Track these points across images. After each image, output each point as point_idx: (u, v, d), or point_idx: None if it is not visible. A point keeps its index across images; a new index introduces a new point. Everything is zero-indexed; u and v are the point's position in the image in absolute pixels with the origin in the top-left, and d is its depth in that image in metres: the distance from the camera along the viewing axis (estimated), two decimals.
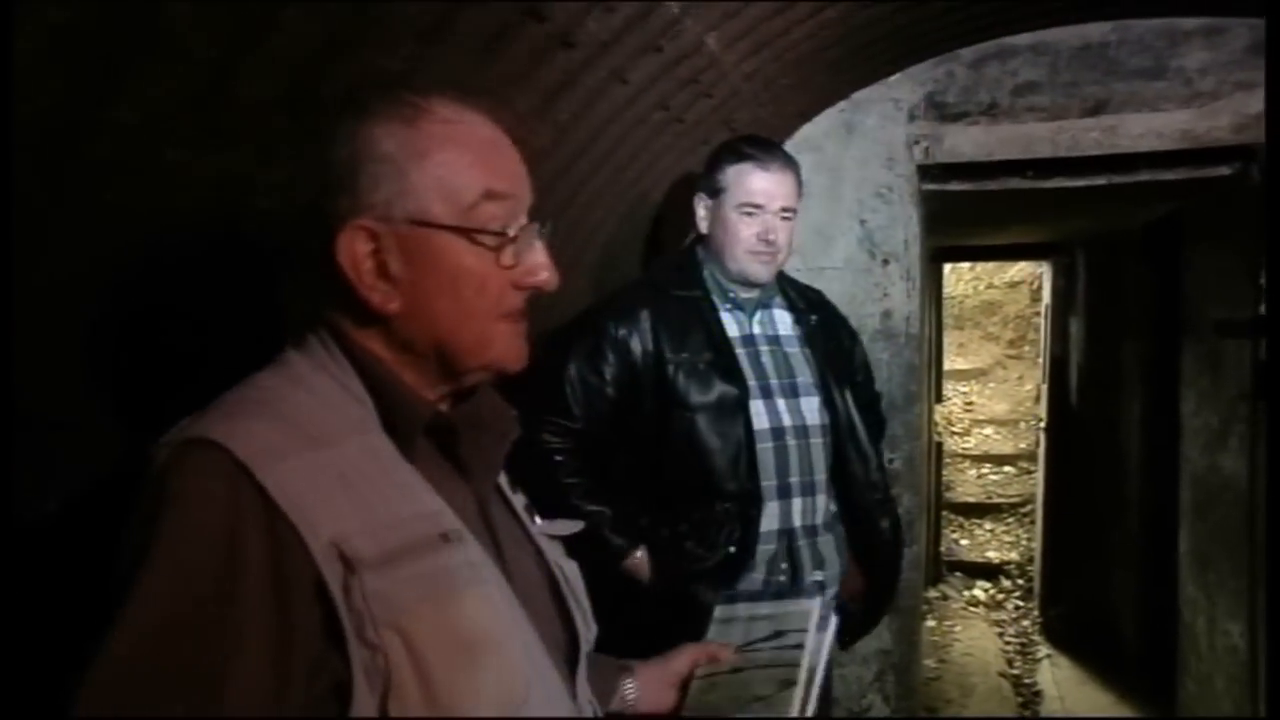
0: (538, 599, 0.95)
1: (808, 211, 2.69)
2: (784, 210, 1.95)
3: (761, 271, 1.96)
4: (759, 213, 1.93)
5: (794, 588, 1.93)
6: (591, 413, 1.88)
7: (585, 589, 1.05)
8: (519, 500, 1.05)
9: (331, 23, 1.13)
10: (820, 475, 1.98)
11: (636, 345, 1.88)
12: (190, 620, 0.71)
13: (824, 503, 2.00)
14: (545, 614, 0.95)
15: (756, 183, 1.93)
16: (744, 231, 1.93)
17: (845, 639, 2.11)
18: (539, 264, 0.91)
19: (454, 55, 1.35)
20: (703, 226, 2.02)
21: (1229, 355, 3.16)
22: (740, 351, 1.94)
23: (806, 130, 2.99)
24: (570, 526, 1.09)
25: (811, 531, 1.97)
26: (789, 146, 2.93)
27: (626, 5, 1.57)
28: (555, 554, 1.03)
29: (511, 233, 0.88)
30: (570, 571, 1.04)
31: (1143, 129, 2.76)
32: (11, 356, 1.00)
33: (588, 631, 1.02)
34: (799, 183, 2.00)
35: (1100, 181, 2.97)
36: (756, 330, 1.99)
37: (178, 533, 0.73)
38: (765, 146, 2.00)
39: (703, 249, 2.04)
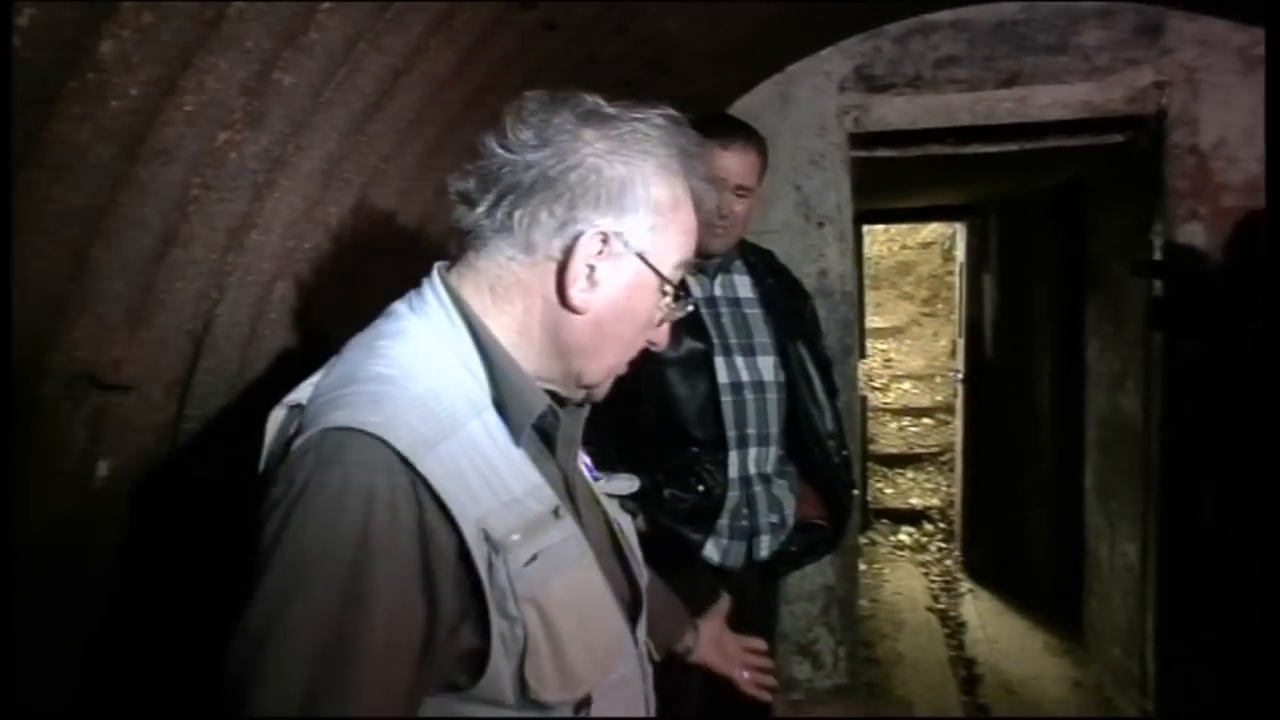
0: (605, 555, 1.05)
1: None
2: (739, 188, 2.06)
3: (715, 244, 2.09)
4: (718, 188, 2.01)
5: (752, 529, 2.13)
6: None
7: (638, 542, 1.16)
8: (583, 459, 1.14)
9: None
10: (774, 428, 2.17)
11: None
12: (356, 603, 0.78)
13: (775, 452, 2.19)
14: (610, 568, 1.05)
15: (719, 159, 2.02)
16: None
17: (821, 551, 2.33)
18: (666, 330, 1.04)
19: (453, 43, 1.48)
20: None
21: (1127, 305, 3.47)
22: (704, 312, 2.09)
23: (745, 101, 3.17)
24: (629, 485, 1.20)
25: (765, 479, 2.17)
26: None
27: None
28: (613, 510, 1.15)
29: (677, 291, 1.02)
30: (626, 526, 1.15)
31: (1050, 99, 3.03)
32: (10, 356, 1.11)
33: (643, 582, 1.12)
34: (761, 162, 2.11)
35: (1013, 147, 3.24)
36: (718, 292, 2.15)
37: (342, 527, 0.79)
38: (728, 125, 2.10)
39: None
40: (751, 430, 2.13)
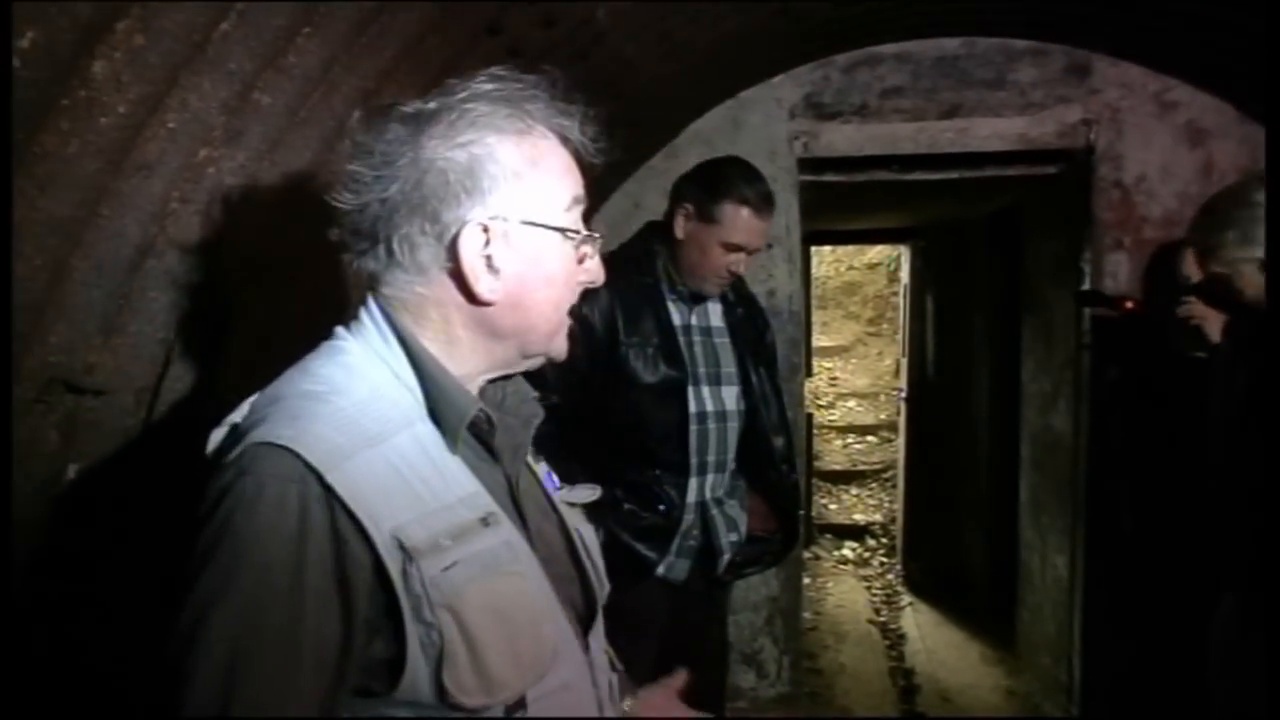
0: (559, 562, 1.05)
1: None
2: (758, 249, 2.16)
3: (715, 291, 2.18)
4: (739, 251, 2.11)
5: (710, 548, 2.22)
6: (566, 385, 1.98)
7: (599, 551, 1.15)
8: (541, 468, 1.16)
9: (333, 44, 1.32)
10: (731, 454, 2.25)
11: (597, 323, 2.06)
12: (270, 606, 0.81)
13: (729, 476, 2.28)
14: (565, 575, 1.05)
15: (751, 227, 2.08)
16: (719, 261, 2.10)
17: (766, 563, 2.43)
18: (597, 263, 1.04)
19: (423, 67, 1.55)
20: (679, 234, 2.13)
21: (1060, 327, 3.64)
22: (680, 340, 2.15)
23: (698, 125, 3.28)
24: (590, 494, 1.19)
25: (719, 502, 2.25)
26: (681, 140, 3.24)
27: (565, 20, 1.80)
28: (574, 519, 1.13)
29: (583, 233, 1.01)
30: (587, 535, 1.13)
31: (988, 131, 3.18)
32: (10, 356, 1.15)
33: (601, 590, 1.11)
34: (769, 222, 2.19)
35: (954, 175, 3.39)
36: (694, 321, 2.21)
37: (255, 533, 0.82)
38: (764, 193, 2.14)
39: (658, 241, 2.18)
40: (711, 458, 2.20)
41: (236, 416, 0.95)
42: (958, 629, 4.96)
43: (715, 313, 2.26)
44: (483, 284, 0.94)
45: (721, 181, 2.11)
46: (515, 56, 1.78)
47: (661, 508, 2.13)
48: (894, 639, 5.04)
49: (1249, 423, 1.97)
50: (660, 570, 2.15)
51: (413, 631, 0.85)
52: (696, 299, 2.22)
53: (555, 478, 1.20)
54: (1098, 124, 3.09)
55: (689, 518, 2.17)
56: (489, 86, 0.96)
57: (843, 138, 3.26)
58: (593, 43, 1.98)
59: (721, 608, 2.57)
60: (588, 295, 2.04)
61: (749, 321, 2.34)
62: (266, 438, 0.85)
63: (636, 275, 2.15)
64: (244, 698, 0.79)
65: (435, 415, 0.95)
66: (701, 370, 2.18)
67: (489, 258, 0.94)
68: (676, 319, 2.17)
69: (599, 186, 3.09)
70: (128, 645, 1.48)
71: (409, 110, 0.95)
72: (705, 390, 2.18)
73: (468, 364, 0.99)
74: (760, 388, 2.28)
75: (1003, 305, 4.70)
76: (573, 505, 1.17)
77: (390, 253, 0.94)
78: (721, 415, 2.21)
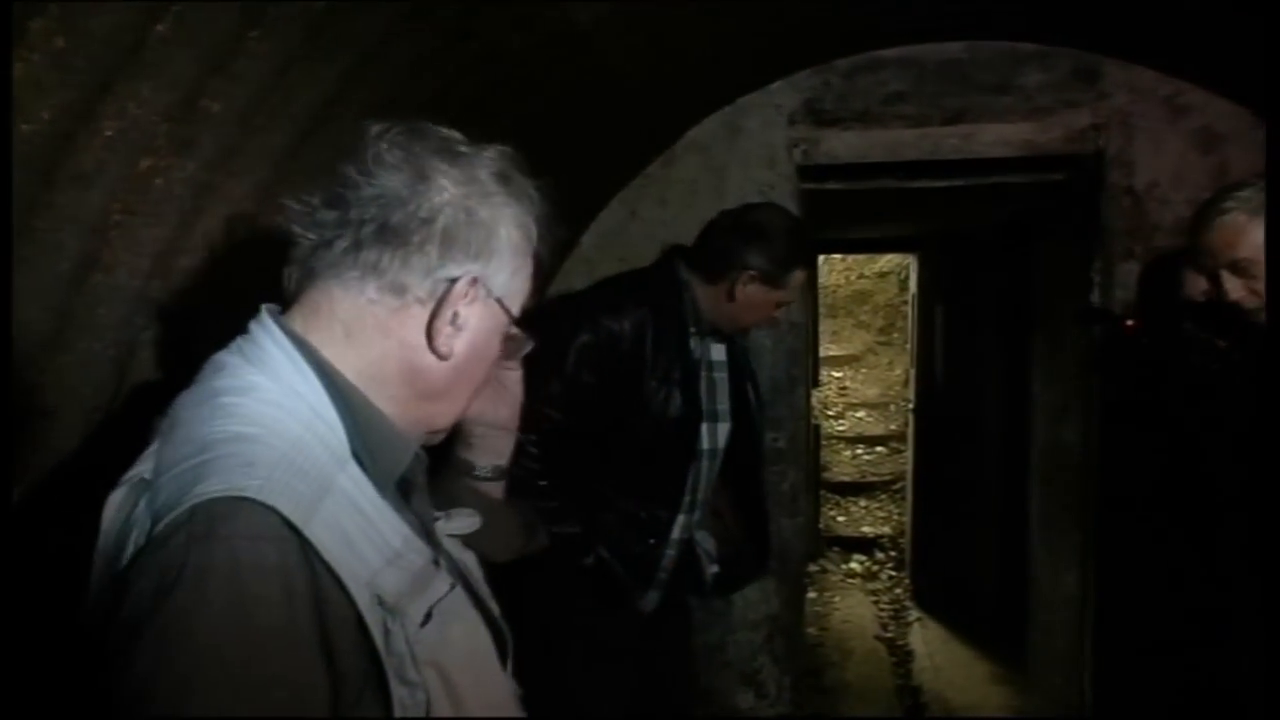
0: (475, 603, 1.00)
1: (696, 209, 2.91)
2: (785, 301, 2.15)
3: (743, 335, 2.22)
4: (783, 304, 2.14)
5: (696, 581, 2.23)
6: (571, 401, 1.96)
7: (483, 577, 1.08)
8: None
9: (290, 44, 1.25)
10: (710, 490, 2.22)
11: (624, 345, 2.00)
12: (268, 687, 0.71)
13: (704, 510, 2.25)
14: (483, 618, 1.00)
15: (795, 283, 2.12)
16: (765, 313, 2.13)
17: (725, 590, 2.44)
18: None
19: (391, 72, 1.48)
20: (737, 296, 2.08)
21: (1069, 339, 3.54)
22: (699, 376, 2.12)
23: (694, 132, 3.19)
24: (470, 524, 1.08)
25: (695, 539, 2.23)
26: (678, 147, 3.16)
27: (542, 24, 1.73)
28: (457, 550, 1.05)
29: (519, 342, 1.03)
30: (472, 563, 1.06)
31: (993, 137, 3.09)
32: (9, 356, 1.10)
33: (506, 630, 1.04)
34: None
35: (959, 183, 3.29)
36: (701, 355, 2.16)
37: (236, 608, 0.71)
38: (810, 251, 2.22)
39: (687, 272, 2.13)
40: (700, 496, 2.18)
41: (142, 470, 0.82)
42: (966, 646, 4.85)
43: (718, 349, 2.22)
44: (444, 335, 0.91)
45: (789, 252, 2.10)
46: (491, 62, 1.71)
47: (651, 541, 2.10)
48: (901, 656, 4.95)
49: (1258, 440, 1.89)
50: (643, 603, 2.13)
51: (397, 694, 0.80)
52: (708, 334, 2.17)
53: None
54: (1107, 129, 2.99)
55: (670, 553, 2.14)
56: (510, 165, 0.96)
57: (844, 145, 3.18)
58: (575, 48, 1.91)
59: (687, 630, 2.52)
60: (619, 316, 1.99)
61: (743, 353, 2.32)
62: (226, 491, 0.74)
63: (667, 303, 2.09)
64: None
65: (359, 456, 0.87)
66: (705, 407, 2.14)
67: (457, 314, 0.91)
68: (695, 354, 2.13)
69: (589, 202, 3.02)
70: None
71: (441, 138, 0.93)
72: (705, 427, 2.14)
73: (383, 408, 0.92)
74: (752, 423, 2.27)
75: (1012, 315, 4.61)
76: (452, 536, 1.06)
77: (376, 259, 0.87)
78: (714, 453, 2.18)
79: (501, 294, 0.95)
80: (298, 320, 0.91)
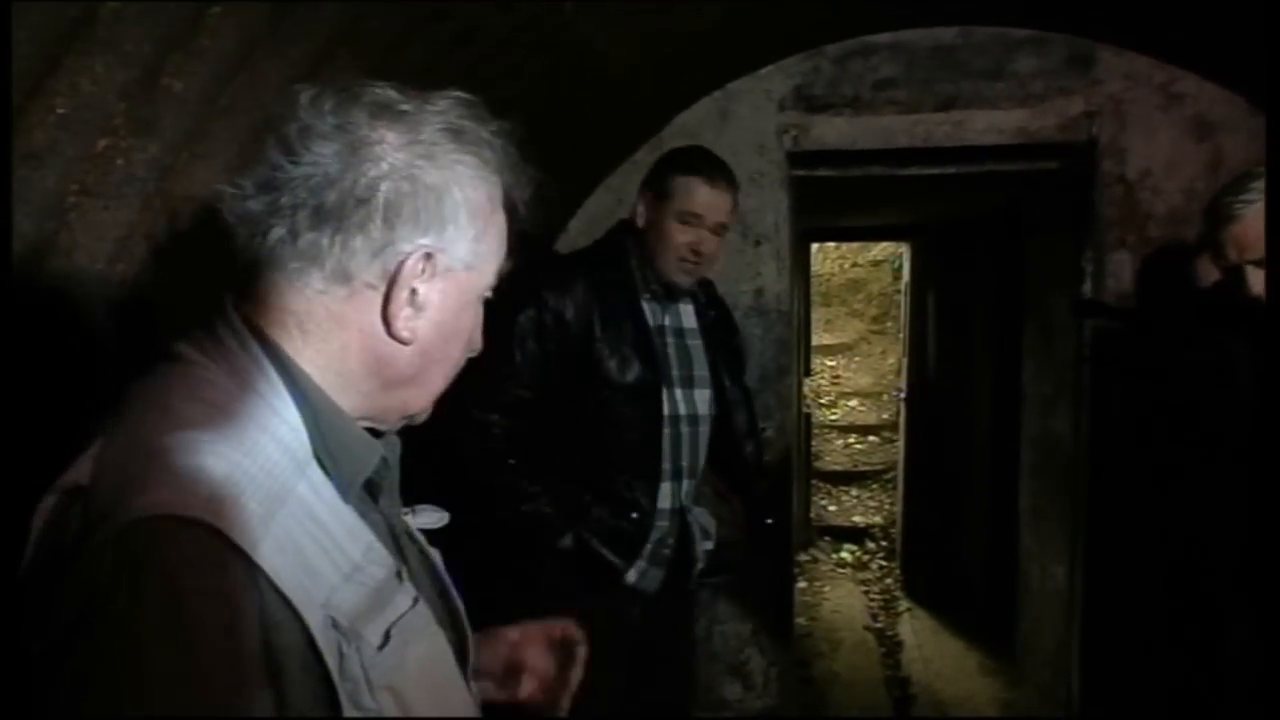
0: (434, 605, 0.93)
1: None
2: (719, 225, 2.06)
3: (684, 280, 2.08)
4: (696, 223, 2.02)
5: (688, 557, 2.15)
6: (539, 382, 1.96)
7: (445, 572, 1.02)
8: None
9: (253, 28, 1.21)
10: (701, 460, 2.18)
11: (571, 317, 1.98)
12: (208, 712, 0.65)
13: (698, 483, 2.21)
14: (437, 609, 0.94)
15: (701, 195, 2.01)
16: (678, 239, 2.02)
17: (730, 570, 2.35)
18: (479, 336, 0.94)
19: (364, 52, 1.44)
20: (640, 221, 2.08)
21: (1060, 329, 3.51)
22: (655, 341, 2.07)
23: (683, 117, 3.15)
24: (438, 519, 1.03)
25: (690, 509, 2.18)
26: (666, 133, 3.12)
27: (523, 3, 1.69)
28: (423, 543, 1.00)
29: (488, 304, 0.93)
30: (437, 558, 1.01)
31: (985, 124, 3.05)
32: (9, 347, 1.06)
33: (463, 614, 0.98)
34: (736, 202, 2.12)
35: (951, 170, 3.26)
36: (667, 322, 2.13)
37: (172, 642, 0.64)
38: (714, 163, 2.10)
39: (631, 239, 2.11)
40: (684, 463, 2.14)
41: (78, 476, 0.73)
42: (956, 637, 4.84)
43: (688, 314, 2.19)
44: (402, 317, 0.83)
45: (671, 157, 2.14)
46: (468, 44, 1.67)
47: (634, 515, 2.05)
48: (890, 646, 4.93)
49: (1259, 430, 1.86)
50: (632, 578, 2.08)
51: (350, 716, 0.74)
52: (670, 299, 2.14)
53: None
54: (1100, 116, 2.96)
55: (663, 525, 2.10)
56: (466, 113, 0.85)
57: (834, 131, 3.14)
58: (558, 31, 1.86)
59: (691, 617, 2.50)
60: (561, 291, 1.99)
61: (721, 324, 2.27)
62: (165, 509, 0.66)
63: (611, 271, 2.08)
64: None
65: (321, 459, 0.81)
66: (675, 372, 2.11)
67: (414, 291, 0.83)
68: (650, 319, 2.10)
69: (577, 186, 2.98)
70: None
71: (380, 95, 0.83)
72: (679, 393, 2.11)
73: (349, 404, 0.85)
74: (736, 392, 2.22)
75: (1005, 305, 4.57)
76: (421, 530, 1.01)
77: (317, 245, 0.79)
78: (694, 419, 2.13)
79: (466, 262, 0.86)
80: (254, 315, 0.83)
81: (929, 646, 4.79)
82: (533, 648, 1.12)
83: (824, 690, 4.22)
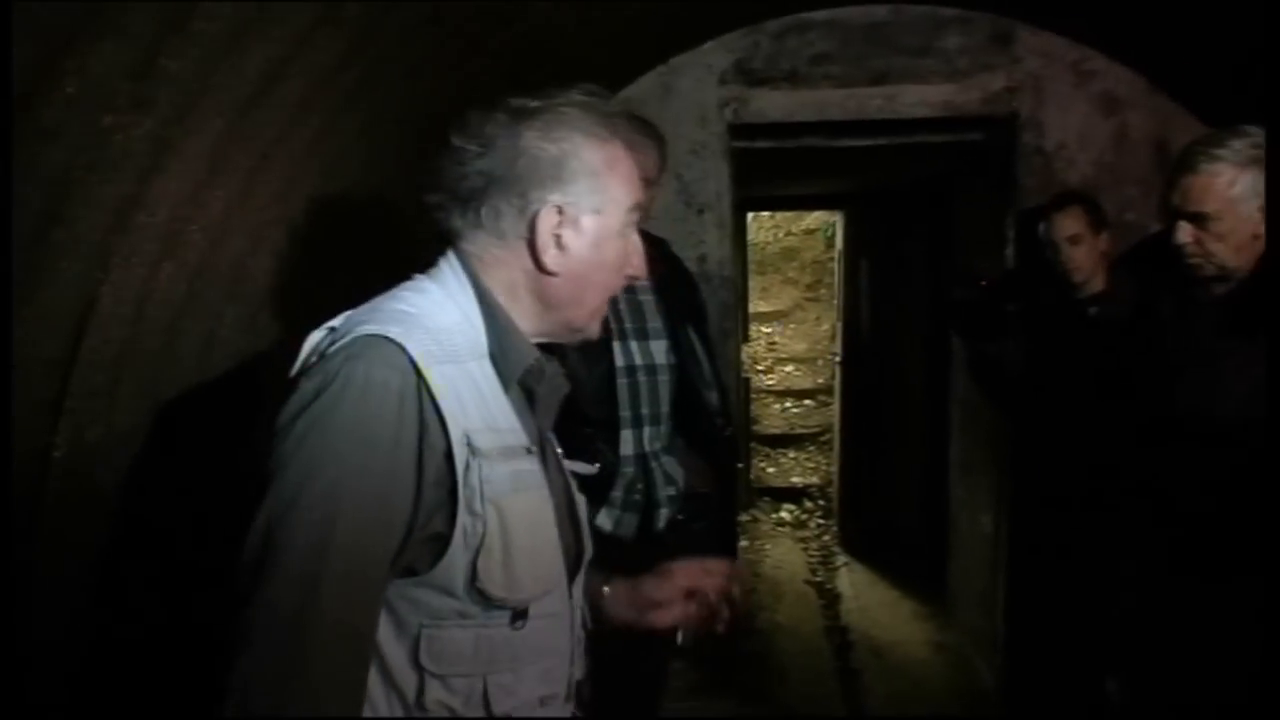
0: (563, 513, 1.18)
1: None
2: (643, 181, 2.17)
3: None
4: None
5: (650, 502, 2.25)
6: None
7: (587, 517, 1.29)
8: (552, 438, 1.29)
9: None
10: (664, 408, 2.30)
11: None
12: (370, 472, 0.95)
13: (666, 430, 2.32)
14: (564, 527, 1.17)
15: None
16: None
17: (707, 518, 2.44)
18: (641, 260, 1.22)
19: (340, 34, 1.53)
20: None
21: None
22: None
23: (628, 91, 3.26)
24: (587, 468, 1.40)
25: (657, 455, 2.29)
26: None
27: None
28: (575, 486, 1.28)
29: (634, 235, 1.20)
30: (581, 501, 1.27)
31: (915, 98, 3.23)
32: (10, 354, 1.13)
33: (588, 549, 1.24)
34: (661, 156, 2.21)
35: (882, 142, 3.43)
36: None
37: (364, 409, 0.95)
38: (636, 122, 2.14)
39: None
40: (645, 410, 2.25)
41: (335, 322, 1.08)
42: (891, 587, 5.10)
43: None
44: (549, 256, 1.11)
45: None
46: (438, 24, 1.76)
47: (597, 464, 2.16)
48: (829, 598, 5.17)
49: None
50: (605, 524, 2.18)
51: (462, 518, 1.00)
52: None
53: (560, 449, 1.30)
54: (1020, 92, 3.16)
55: (629, 470, 2.22)
56: (582, 98, 1.14)
57: (773, 104, 3.28)
58: (517, 7, 1.96)
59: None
60: None
61: (674, 279, 2.39)
62: (378, 331, 1.00)
63: None
64: (339, 546, 0.92)
65: (494, 358, 1.10)
66: (628, 326, 2.23)
67: (558, 236, 1.11)
68: None
69: None
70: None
71: (515, 105, 1.12)
72: (633, 345, 2.23)
73: (522, 323, 1.14)
74: (689, 343, 2.33)
75: (934, 271, 4.79)
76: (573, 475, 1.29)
77: (478, 217, 1.11)
78: (651, 369, 2.25)
79: (594, 207, 1.12)
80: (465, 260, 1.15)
81: (865, 596, 5.04)
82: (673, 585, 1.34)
83: (768, 638, 4.43)
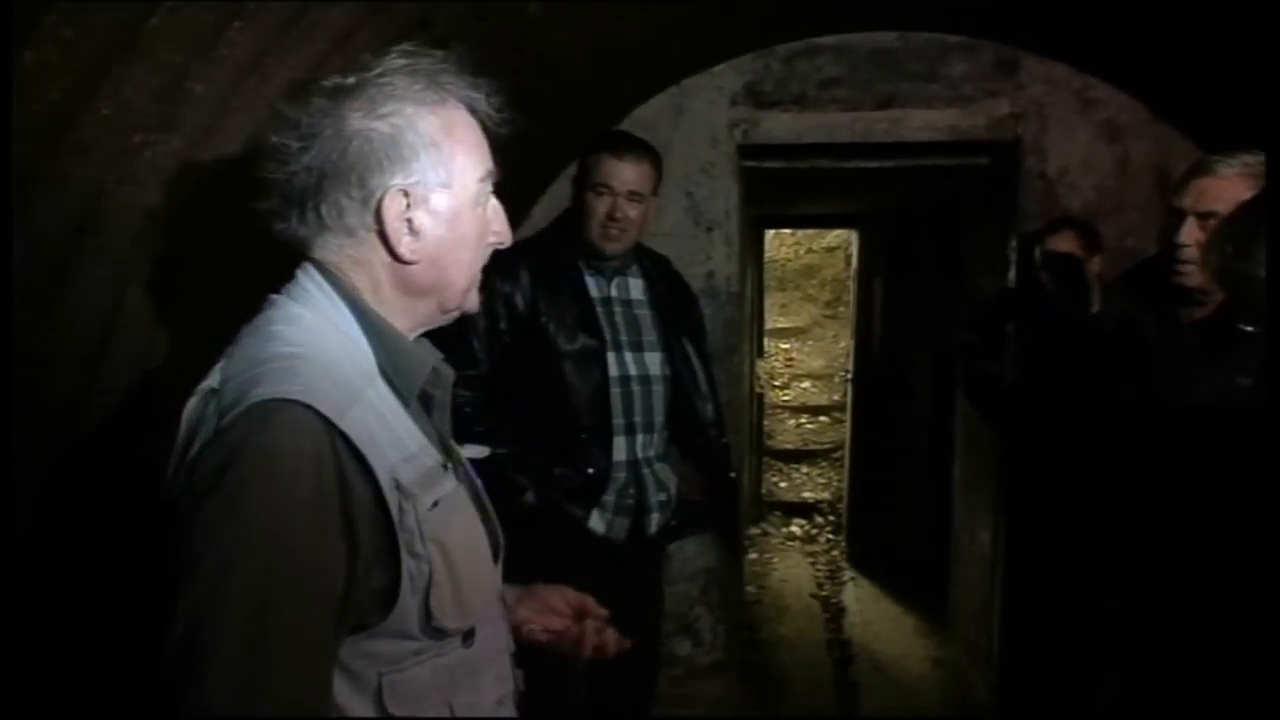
0: (481, 513, 1.16)
1: None
2: (632, 194, 2.27)
3: (609, 246, 2.30)
4: (608, 193, 2.25)
5: (641, 507, 2.35)
6: (493, 358, 2.20)
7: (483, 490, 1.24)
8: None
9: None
10: (658, 417, 2.39)
11: (518, 300, 2.22)
12: (297, 548, 0.87)
13: (660, 438, 2.41)
14: (486, 526, 1.15)
15: (607, 166, 2.25)
16: (595, 208, 2.26)
17: (700, 526, 2.59)
18: (503, 224, 1.14)
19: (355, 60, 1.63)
20: (572, 203, 2.36)
21: None
22: (599, 310, 2.30)
23: (640, 111, 3.36)
24: (479, 451, 1.37)
25: (650, 462, 2.38)
26: (624, 125, 3.32)
27: (496, 15, 1.88)
28: (473, 472, 1.23)
29: (491, 199, 1.11)
30: (481, 486, 1.22)
31: (921, 123, 3.30)
32: (12, 353, 1.23)
33: (501, 535, 1.20)
34: (654, 172, 2.33)
35: (889, 165, 3.51)
36: (614, 293, 2.36)
37: (278, 483, 0.87)
38: (622, 138, 2.35)
39: (572, 222, 2.36)
40: (638, 418, 2.34)
41: (211, 382, 0.98)
42: (895, 603, 5.14)
43: (636, 287, 2.41)
44: (404, 244, 1.03)
45: (586, 143, 2.35)
46: (444, 48, 1.86)
47: (590, 470, 2.26)
48: (834, 612, 5.21)
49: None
50: (598, 526, 2.28)
51: (406, 564, 0.95)
52: (617, 273, 2.36)
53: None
54: (1024, 118, 3.22)
55: (621, 475, 2.30)
56: (403, 62, 1.04)
57: (781, 126, 3.37)
58: (524, 35, 2.06)
59: (658, 571, 2.69)
60: (506, 275, 2.20)
61: (672, 294, 2.48)
62: (274, 394, 0.90)
63: (553, 254, 2.32)
64: (278, 636, 0.85)
65: (384, 372, 1.03)
66: (623, 338, 2.33)
67: (409, 221, 1.02)
68: (594, 291, 2.32)
69: (541, 174, 3.17)
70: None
71: (329, 85, 1.02)
72: (627, 356, 2.32)
73: (397, 321, 1.07)
74: (685, 356, 2.42)
75: (944, 291, 4.84)
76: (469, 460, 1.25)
77: (320, 218, 1.01)
78: (645, 379, 2.35)
79: (441, 182, 1.03)
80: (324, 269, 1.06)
81: (869, 611, 5.08)
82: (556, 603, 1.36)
83: (770, 650, 4.48)
